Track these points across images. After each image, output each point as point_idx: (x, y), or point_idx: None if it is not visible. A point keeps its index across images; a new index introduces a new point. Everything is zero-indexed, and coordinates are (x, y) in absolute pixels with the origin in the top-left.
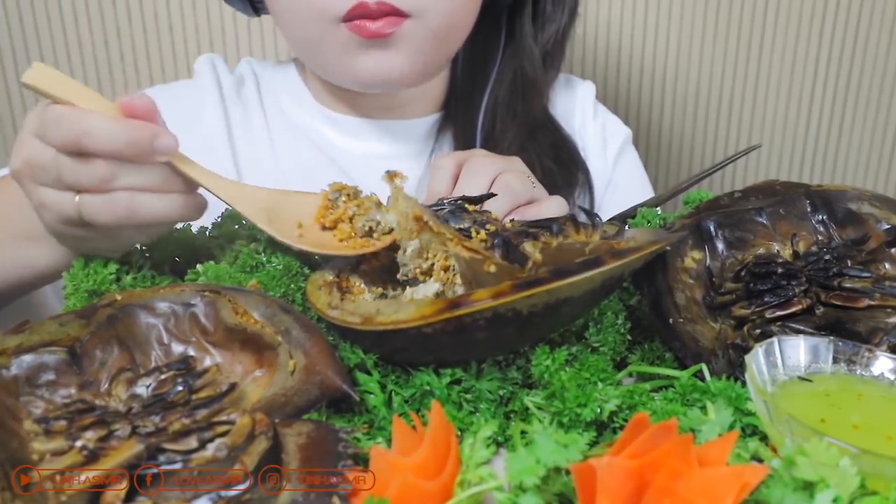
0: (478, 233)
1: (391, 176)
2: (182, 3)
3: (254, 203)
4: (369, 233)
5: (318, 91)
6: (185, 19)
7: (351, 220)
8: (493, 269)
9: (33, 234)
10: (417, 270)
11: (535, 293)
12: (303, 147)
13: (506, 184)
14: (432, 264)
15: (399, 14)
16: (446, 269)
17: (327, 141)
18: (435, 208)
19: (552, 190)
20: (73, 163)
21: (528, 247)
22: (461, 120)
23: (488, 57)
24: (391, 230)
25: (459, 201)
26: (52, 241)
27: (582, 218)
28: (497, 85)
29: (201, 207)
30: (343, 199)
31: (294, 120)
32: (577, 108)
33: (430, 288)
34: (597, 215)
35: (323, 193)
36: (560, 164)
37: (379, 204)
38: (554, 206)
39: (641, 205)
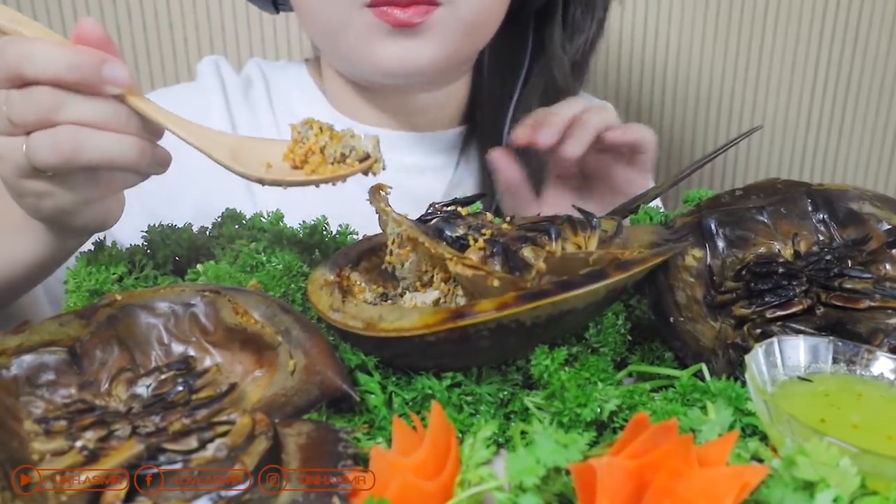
0: (475, 241)
1: (377, 189)
2: (182, 2)
3: (219, 144)
4: (342, 159)
5: (334, 96)
6: (185, 17)
7: (322, 150)
8: (496, 283)
9: (12, 223)
10: (417, 283)
11: (540, 305)
12: None
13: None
14: (432, 276)
15: (430, 2)
16: (446, 281)
17: None
18: (427, 217)
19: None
20: (18, 95)
21: (527, 252)
22: (488, 132)
23: (515, 65)
24: (367, 156)
25: (451, 206)
26: (31, 227)
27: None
28: (526, 95)
29: (162, 159)
30: (314, 131)
31: None
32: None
33: (430, 295)
34: (594, 216)
35: (292, 128)
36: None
37: (353, 135)
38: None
39: (643, 196)
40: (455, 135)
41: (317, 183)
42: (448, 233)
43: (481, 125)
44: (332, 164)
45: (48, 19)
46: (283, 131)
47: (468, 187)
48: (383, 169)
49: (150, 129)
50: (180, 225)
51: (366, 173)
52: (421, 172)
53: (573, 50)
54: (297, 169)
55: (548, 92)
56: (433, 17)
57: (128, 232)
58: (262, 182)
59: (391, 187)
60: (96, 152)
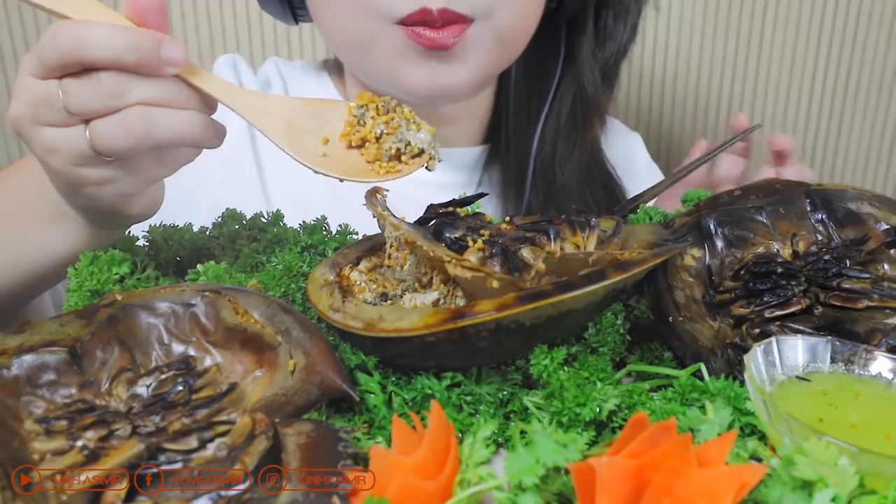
0: (474, 241)
1: (373, 192)
2: (182, 2)
3: (274, 117)
4: (397, 156)
5: None
6: (185, 18)
7: (378, 139)
8: (496, 284)
9: (49, 215)
10: (417, 284)
11: (539, 306)
12: None
13: None
14: (431, 278)
15: (464, 21)
16: (446, 282)
17: None
18: (425, 219)
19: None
20: (77, 84)
21: (526, 252)
22: (513, 152)
23: (544, 78)
24: (421, 151)
25: (450, 207)
26: (67, 220)
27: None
28: (556, 109)
29: (221, 132)
30: (371, 114)
31: None
32: (631, 154)
33: (429, 296)
34: (593, 216)
35: (347, 107)
36: (609, 208)
37: (410, 119)
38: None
39: (642, 195)
40: (478, 153)
41: (372, 183)
42: (447, 234)
43: (507, 141)
44: (388, 161)
45: (49, 19)
46: None
47: (489, 208)
48: (439, 162)
49: (207, 103)
50: (181, 224)
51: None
52: (441, 189)
53: (605, 57)
54: (353, 148)
55: (576, 104)
56: (467, 38)
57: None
58: (314, 171)
59: (388, 190)
60: (167, 131)
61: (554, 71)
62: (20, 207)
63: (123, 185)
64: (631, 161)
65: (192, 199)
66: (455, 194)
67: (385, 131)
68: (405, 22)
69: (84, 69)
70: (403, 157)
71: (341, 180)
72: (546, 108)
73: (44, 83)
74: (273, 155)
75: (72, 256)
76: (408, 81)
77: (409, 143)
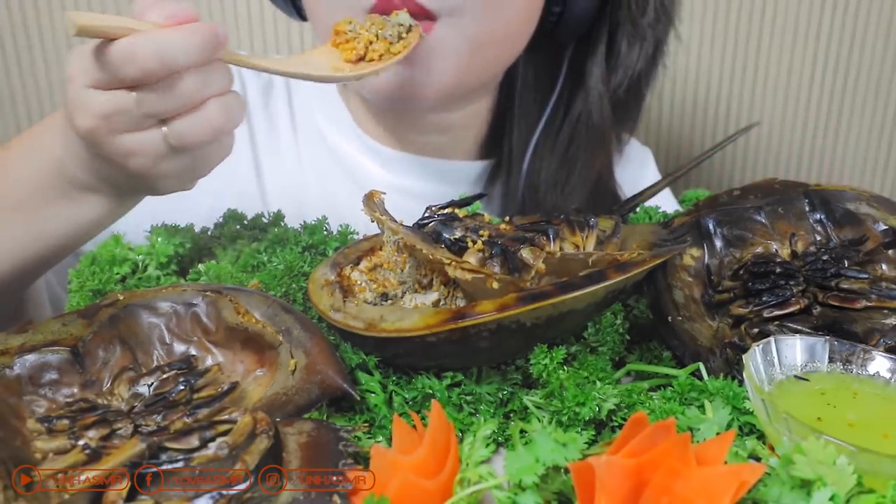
0: (474, 242)
1: (370, 196)
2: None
3: (303, 64)
4: (399, 38)
5: (357, 113)
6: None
7: (377, 37)
8: (496, 285)
9: (80, 185)
10: (417, 286)
11: (540, 306)
12: (336, 174)
13: None
14: (431, 279)
15: (428, 16)
16: (446, 283)
17: (364, 171)
18: (424, 220)
19: None
20: (155, 91)
21: (525, 253)
22: (515, 170)
23: (545, 95)
24: (410, 27)
25: (448, 209)
26: (100, 191)
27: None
28: (559, 133)
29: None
30: (356, 26)
31: (330, 143)
32: (639, 174)
33: (430, 297)
34: (592, 216)
35: (334, 30)
36: None
37: (392, 15)
38: None
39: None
40: (478, 168)
41: (389, 67)
42: (446, 235)
43: (508, 160)
44: (395, 44)
45: (49, 19)
46: (301, 143)
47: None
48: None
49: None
50: (182, 224)
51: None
52: (438, 200)
53: (615, 85)
54: (361, 62)
55: (582, 129)
56: (432, 39)
57: (142, 236)
58: (355, 78)
59: (384, 192)
60: (239, 116)
61: (553, 90)
62: (35, 183)
63: (200, 170)
64: (639, 178)
65: (190, 203)
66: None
67: (377, 31)
68: (374, 10)
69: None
70: (403, 37)
71: (378, 73)
72: (540, 127)
73: (112, 94)
74: (273, 160)
75: (96, 226)
76: (378, 85)
77: (399, 25)
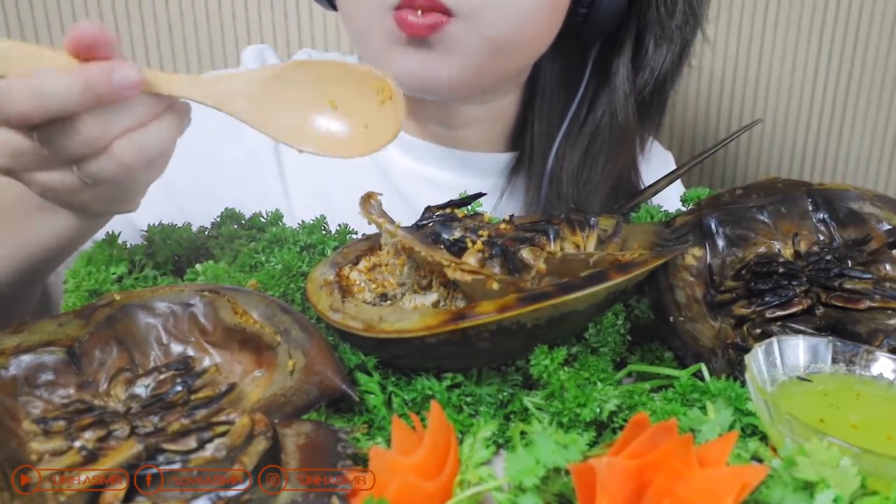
0: (473, 243)
1: (367, 198)
2: (181, 2)
3: (240, 98)
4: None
5: None
6: (183, 17)
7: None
8: (496, 286)
9: (33, 203)
10: (416, 286)
11: (540, 307)
12: (362, 162)
13: None
14: (430, 281)
15: (445, 12)
16: (445, 285)
17: (386, 158)
18: (423, 221)
19: None
20: (54, 136)
21: (525, 253)
22: (537, 163)
23: (571, 93)
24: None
25: (447, 209)
26: (56, 209)
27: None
28: (584, 130)
29: (188, 111)
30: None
31: None
32: (674, 185)
33: (429, 297)
34: (592, 215)
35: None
36: None
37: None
38: None
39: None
40: (503, 160)
41: (349, 158)
42: (445, 236)
43: (530, 153)
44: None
45: (47, 19)
46: None
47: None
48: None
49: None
50: (179, 223)
51: None
52: (460, 191)
53: (641, 85)
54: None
55: (606, 128)
56: (446, 31)
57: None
58: (294, 148)
59: (381, 194)
60: (155, 147)
61: (578, 88)
62: (13, 197)
63: (123, 195)
64: (675, 186)
65: (211, 193)
66: (483, 200)
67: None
68: (400, 6)
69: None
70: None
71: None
72: (565, 124)
73: (12, 134)
74: (291, 151)
75: (61, 244)
76: (397, 69)
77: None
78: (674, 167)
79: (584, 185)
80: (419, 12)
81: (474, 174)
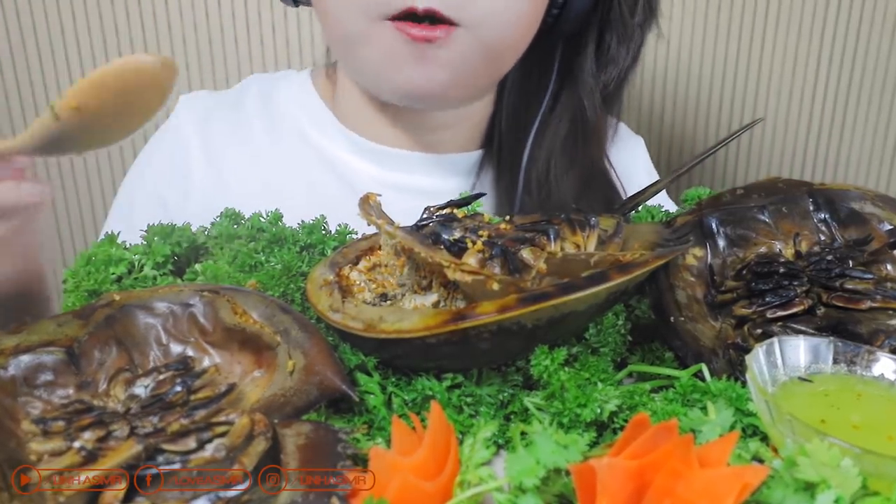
0: (473, 243)
1: (366, 199)
2: (181, 2)
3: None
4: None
5: (346, 109)
6: (183, 17)
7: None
8: (496, 287)
9: None
10: (416, 286)
11: (541, 307)
12: (325, 178)
13: None
14: (430, 281)
15: (449, 23)
16: (445, 285)
17: (351, 170)
18: (423, 222)
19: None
20: None
21: (525, 253)
22: (505, 159)
23: (540, 90)
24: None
25: (447, 210)
26: None
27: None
28: (552, 127)
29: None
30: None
31: (315, 146)
32: (632, 162)
33: (429, 298)
34: (593, 215)
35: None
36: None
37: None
38: None
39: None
40: (472, 158)
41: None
42: (445, 236)
43: (498, 150)
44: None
45: (46, 19)
46: (285, 151)
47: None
48: None
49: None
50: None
51: None
52: (434, 197)
53: (606, 81)
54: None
55: (575, 122)
56: (452, 38)
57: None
58: None
59: (380, 195)
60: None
61: (548, 86)
62: None
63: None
64: (631, 167)
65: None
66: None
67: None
68: (395, 17)
69: None
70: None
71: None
72: (536, 122)
73: None
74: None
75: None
76: (396, 82)
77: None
78: (645, 151)
79: (557, 179)
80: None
81: (444, 175)
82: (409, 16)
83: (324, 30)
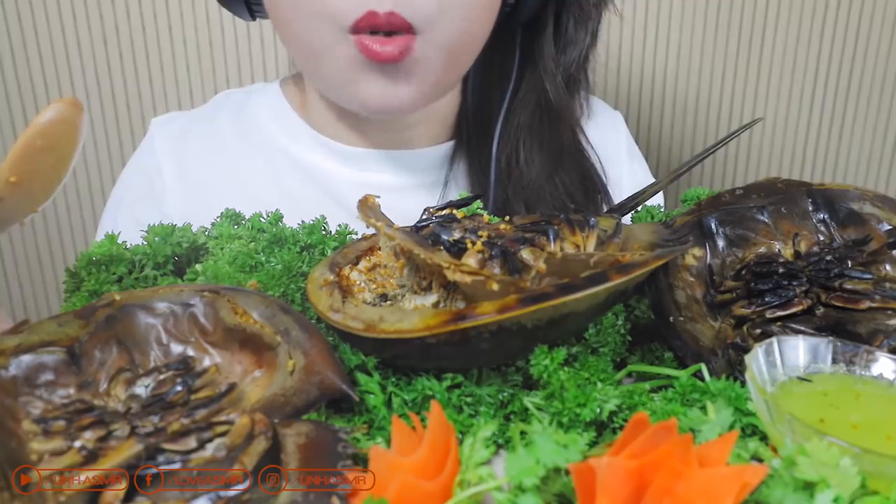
0: (473, 244)
1: (365, 201)
2: (181, 2)
3: None
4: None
5: (317, 114)
6: (183, 17)
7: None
8: (496, 287)
9: None
10: (416, 287)
11: (541, 308)
12: (298, 183)
13: None
14: (430, 282)
15: (409, 30)
16: (445, 286)
17: (325, 172)
18: (422, 223)
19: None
20: None
21: (525, 253)
22: (475, 148)
23: (503, 79)
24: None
25: (446, 210)
26: None
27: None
28: (518, 111)
29: None
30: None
31: (291, 155)
32: (611, 137)
33: (429, 298)
34: (592, 215)
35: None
36: (586, 194)
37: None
38: None
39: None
40: (443, 150)
41: None
42: (444, 237)
43: (468, 139)
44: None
45: (47, 19)
46: (261, 162)
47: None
48: None
49: None
50: (179, 223)
51: None
52: (410, 191)
53: (566, 63)
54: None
55: (540, 104)
56: (414, 51)
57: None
58: None
59: (379, 196)
60: None
61: (510, 74)
62: None
63: None
64: (610, 143)
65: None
66: (424, 195)
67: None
68: (356, 28)
69: None
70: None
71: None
72: (503, 108)
73: None
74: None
75: None
76: (361, 96)
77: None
78: (624, 126)
79: (528, 162)
80: (381, 34)
81: (417, 171)
82: (370, 22)
83: (283, 41)
